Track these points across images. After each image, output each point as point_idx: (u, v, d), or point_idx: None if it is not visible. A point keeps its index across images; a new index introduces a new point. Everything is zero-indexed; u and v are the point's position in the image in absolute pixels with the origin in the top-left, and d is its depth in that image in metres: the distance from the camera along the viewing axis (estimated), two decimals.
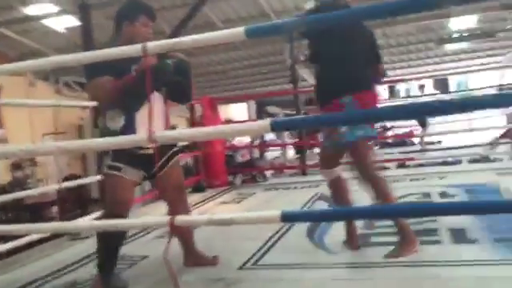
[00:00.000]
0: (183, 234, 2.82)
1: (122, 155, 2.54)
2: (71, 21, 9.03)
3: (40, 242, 3.57)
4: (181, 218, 2.06)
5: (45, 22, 9.43)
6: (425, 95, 12.55)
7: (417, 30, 11.43)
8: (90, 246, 3.56)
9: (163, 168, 2.73)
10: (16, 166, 10.40)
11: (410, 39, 12.08)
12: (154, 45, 2.12)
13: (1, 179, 10.18)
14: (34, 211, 6.38)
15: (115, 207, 2.56)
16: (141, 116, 2.48)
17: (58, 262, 2.86)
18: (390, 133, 11.69)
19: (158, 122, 2.49)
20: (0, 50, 10.54)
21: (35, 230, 3.06)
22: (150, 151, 2.51)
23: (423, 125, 10.61)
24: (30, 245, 3.58)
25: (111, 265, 2.64)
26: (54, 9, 8.82)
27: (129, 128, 2.53)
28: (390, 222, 3.31)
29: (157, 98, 2.63)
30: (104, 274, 2.62)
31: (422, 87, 12.06)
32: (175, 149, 2.81)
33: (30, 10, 8.91)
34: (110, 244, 2.62)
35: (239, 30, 1.92)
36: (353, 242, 2.97)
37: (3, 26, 9.70)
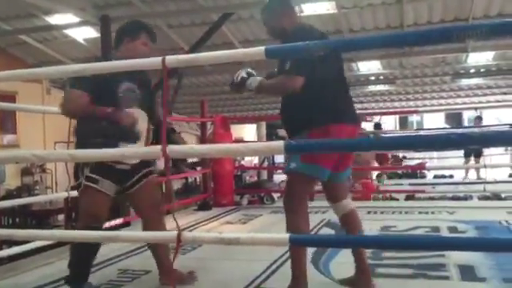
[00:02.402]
0: (158, 251, 2.84)
1: (101, 168, 2.58)
2: (91, 32, 9.18)
3: (44, 249, 3.55)
4: (188, 234, 2.03)
5: (66, 31, 9.60)
6: (437, 129, 12.50)
7: (433, 63, 11.44)
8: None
9: (135, 185, 2.76)
10: (26, 172, 10.48)
11: (426, 71, 12.09)
12: (173, 58, 2.13)
13: (10, 184, 10.25)
14: (41, 218, 6.38)
15: (89, 220, 2.60)
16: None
17: (60, 270, 2.83)
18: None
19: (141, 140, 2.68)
20: (18, 57, 10.72)
21: (39, 236, 3.06)
22: (127, 167, 2.65)
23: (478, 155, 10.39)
24: (37, 251, 3.57)
25: (84, 276, 2.68)
26: (76, 19, 8.97)
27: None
28: (396, 254, 3.27)
29: (142, 117, 2.72)
30: (75, 285, 2.65)
31: (478, 119, 11.81)
32: (151, 168, 2.84)
33: (53, 20, 9.07)
34: (84, 256, 2.65)
35: (259, 50, 1.93)
36: (365, 279, 2.72)
37: (24, 33, 9.89)
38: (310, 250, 3.38)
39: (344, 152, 2.54)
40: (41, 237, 3.06)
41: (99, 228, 2.60)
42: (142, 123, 2.72)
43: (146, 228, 2.82)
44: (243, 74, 2.61)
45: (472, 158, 10.61)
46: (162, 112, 2.81)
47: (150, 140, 2.82)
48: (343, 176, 2.74)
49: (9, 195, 8.36)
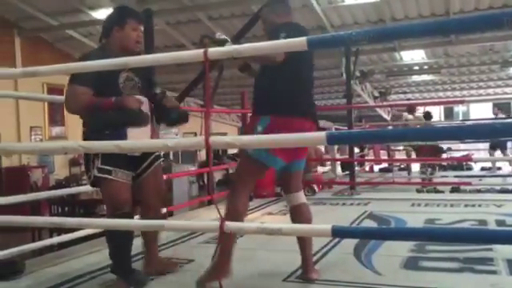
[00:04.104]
0: (147, 238, 2.90)
1: (111, 158, 2.61)
2: None
3: (92, 237, 3.67)
4: (230, 224, 2.06)
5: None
6: (485, 119, 12.06)
7: (480, 52, 11.04)
8: (137, 245, 3.64)
9: (147, 170, 2.82)
10: (74, 163, 10.87)
11: (473, 60, 11.69)
12: (214, 51, 2.15)
13: (59, 174, 10.65)
14: (88, 207, 6.59)
15: (115, 209, 2.64)
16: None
17: (106, 258, 2.92)
18: (445, 155, 11.30)
19: (147, 132, 2.75)
20: (65, 51, 11.07)
21: (87, 225, 3.16)
22: (138, 153, 2.71)
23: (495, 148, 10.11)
24: (84, 239, 3.70)
25: (128, 262, 2.74)
26: None
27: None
28: (441, 247, 3.20)
29: (144, 103, 2.76)
30: (122, 273, 2.71)
31: None
32: (157, 154, 2.90)
33: (98, 14, 9.30)
34: (123, 244, 2.71)
35: (301, 40, 1.91)
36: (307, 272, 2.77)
37: (71, 28, 10.20)
38: (352, 242, 3.37)
39: (379, 142, 2.51)
40: (88, 225, 3.16)
41: (129, 214, 2.65)
42: (145, 108, 2.76)
43: (144, 215, 2.86)
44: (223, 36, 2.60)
45: (498, 151, 10.27)
46: (160, 92, 2.89)
47: (154, 124, 2.90)
48: (295, 168, 2.79)
49: (58, 185, 8.68)
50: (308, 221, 2.74)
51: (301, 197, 2.83)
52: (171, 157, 12.59)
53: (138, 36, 2.78)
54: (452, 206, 5.24)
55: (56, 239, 3.75)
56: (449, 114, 20.15)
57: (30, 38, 10.44)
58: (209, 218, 4.52)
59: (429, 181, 7.78)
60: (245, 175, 2.69)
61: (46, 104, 10.47)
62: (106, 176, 2.65)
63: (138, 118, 2.68)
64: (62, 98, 3.20)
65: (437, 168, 9.32)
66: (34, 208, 6.84)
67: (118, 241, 2.71)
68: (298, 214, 2.78)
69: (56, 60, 8.54)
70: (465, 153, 11.82)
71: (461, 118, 19.00)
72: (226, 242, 2.55)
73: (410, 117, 9.15)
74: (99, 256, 3.25)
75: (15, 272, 2.95)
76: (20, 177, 9.53)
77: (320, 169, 10.17)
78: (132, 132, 2.64)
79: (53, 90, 9.13)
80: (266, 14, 2.92)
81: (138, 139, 2.56)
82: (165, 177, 5.26)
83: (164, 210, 4.68)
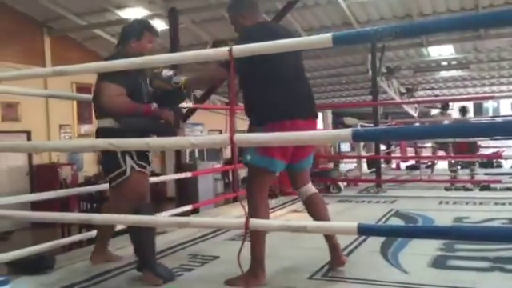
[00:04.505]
0: (104, 232, 3.12)
1: (143, 155, 2.83)
2: (160, 25, 9.44)
3: (120, 233, 3.72)
4: (255, 221, 2.06)
5: (146, 20, 9.96)
6: None
7: (510, 46, 10.77)
8: (167, 241, 3.69)
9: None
10: None
11: (503, 55, 11.41)
12: (239, 48, 2.16)
13: (88, 171, 10.86)
14: None
15: (138, 199, 2.79)
16: None
17: (132, 254, 2.97)
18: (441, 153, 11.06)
19: None
20: (93, 50, 11.27)
21: (115, 221, 3.21)
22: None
23: None
24: (112, 235, 3.75)
25: (154, 257, 2.84)
26: (146, 13, 9.28)
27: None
28: (471, 246, 3.14)
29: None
30: (151, 267, 2.77)
31: None
32: None
33: (124, 14, 9.43)
34: (149, 239, 2.81)
35: (327, 37, 1.90)
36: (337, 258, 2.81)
37: (98, 27, 10.37)
38: (379, 240, 3.33)
39: (406, 140, 2.49)
40: (116, 221, 3.21)
41: (150, 205, 2.83)
42: None
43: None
44: (169, 72, 2.85)
45: None
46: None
47: None
48: (300, 167, 2.84)
49: (87, 182, 8.85)
50: (324, 210, 2.82)
51: (310, 188, 2.89)
52: (196, 154, 12.70)
53: (152, 47, 3.02)
54: (481, 204, 5.14)
55: (85, 235, 3.81)
56: (478, 110, 19.72)
57: (58, 37, 10.67)
58: (234, 215, 4.55)
59: (471, 178, 7.53)
60: (255, 183, 2.71)
61: (74, 103, 10.69)
62: (143, 170, 2.83)
63: (168, 130, 2.86)
64: (90, 96, 3.27)
65: (477, 164, 9.01)
66: (63, 204, 7.00)
67: (145, 236, 2.78)
68: (313, 205, 2.85)
69: (84, 59, 8.69)
70: (494, 150, 11.54)
71: (490, 114, 18.54)
72: (255, 245, 2.59)
73: (435, 112, 8.92)
74: (125, 252, 3.30)
75: (46, 267, 3.03)
76: (50, 174, 9.78)
77: (344, 166, 10.12)
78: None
79: (81, 88, 9.31)
80: (232, 18, 2.94)
81: None
82: (190, 174, 5.34)
83: (189, 207, 4.74)
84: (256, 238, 2.57)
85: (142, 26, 3.03)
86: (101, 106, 2.79)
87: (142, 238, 2.79)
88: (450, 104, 10.26)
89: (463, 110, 8.98)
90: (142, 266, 2.81)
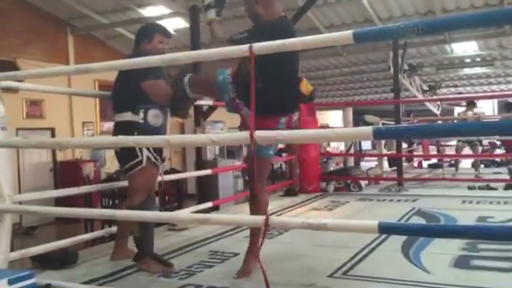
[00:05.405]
0: (124, 228, 3.19)
1: (157, 149, 3.03)
2: (181, 23, 9.50)
3: None
4: (275, 219, 2.06)
5: (157, 23, 10.04)
6: None
7: None
8: (187, 237, 3.73)
9: None
10: None
11: None
12: (259, 46, 2.15)
13: (110, 168, 10.99)
14: None
15: (146, 192, 2.98)
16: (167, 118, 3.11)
17: (156, 249, 3.02)
18: (498, 151, 10.85)
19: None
20: (115, 48, 11.39)
21: (137, 217, 3.25)
22: None
23: None
24: None
25: (152, 247, 3.01)
26: (167, 11, 9.34)
27: (164, 126, 3.03)
28: (494, 246, 3.09)
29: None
30: (150, 254, 2.96)
31: None
32: None
33: (146, 12, 9.51)
34: (150, 230, 2.99)
35: (347, 34, 1.88)
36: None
37: (120, 25, 10.48)
38: (400, 239, 3.30)
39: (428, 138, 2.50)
40: (138, 217, 3.24)
41: (154, 201, 3.04)
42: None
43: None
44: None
45: None
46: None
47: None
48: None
49: (109, 178, 8.96)
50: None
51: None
52: (217, 151, 12.75)
53: (163, 48, 3.16)
54: (506, 203, 5.05)
55: (107, 230, 3.87)
56: (508, 107, 19.29)
57: (81, 36, 10.82)
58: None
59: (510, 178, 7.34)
60: (263, 174, 2.90)
61: (97, 100, 10.82)
62: (157, 163, 3.03)
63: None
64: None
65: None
66: (86, 200, 7.10)
67: (150, 227, 2.99)
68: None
69: (107, 57, 8.82)
70: None
71: None
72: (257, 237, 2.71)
73: (459, 110, 8.72)
74: None
75: (69, 261, 3.08)
76: (73, 170, 9.93)
77: (365, 164, 10.03)
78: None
79: (103, 86, 9.42)
80: (245, 2, 2.96)
81: None
82: (210, 171, 5.36)
83: (209, 204, 4.77)
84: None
85: (153, 28, 3.23)
86: (155, 97, 2.95)
87: (149, 228, 2.97)
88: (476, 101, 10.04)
89: (508, 105, 8.59)
90: (141, 256, 2.95)
